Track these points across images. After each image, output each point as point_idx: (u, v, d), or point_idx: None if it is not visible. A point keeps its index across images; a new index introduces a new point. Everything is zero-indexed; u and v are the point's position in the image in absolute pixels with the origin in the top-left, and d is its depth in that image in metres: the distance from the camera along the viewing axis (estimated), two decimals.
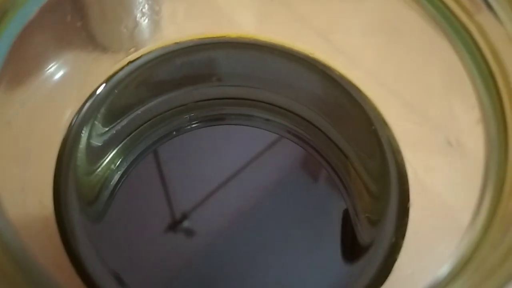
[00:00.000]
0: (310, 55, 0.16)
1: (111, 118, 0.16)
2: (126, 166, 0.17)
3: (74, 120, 0.13)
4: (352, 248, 0.16)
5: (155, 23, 0.16)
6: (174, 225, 0.17)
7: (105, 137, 0.16)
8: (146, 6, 0.16)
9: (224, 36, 0.17)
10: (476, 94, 0.11)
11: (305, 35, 0.17)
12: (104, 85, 0.14)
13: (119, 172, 0.17)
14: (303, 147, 0.18)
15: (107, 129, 0.16)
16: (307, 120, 0.18)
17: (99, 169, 0.16)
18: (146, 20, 0.16)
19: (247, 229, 0.17)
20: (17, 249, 0.09)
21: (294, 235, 0.16)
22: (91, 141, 0.15)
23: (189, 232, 0.16)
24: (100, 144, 0.16)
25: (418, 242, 0.12)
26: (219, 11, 0.17)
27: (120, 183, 0.17)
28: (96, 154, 0.16)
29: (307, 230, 0.17)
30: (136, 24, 0.16)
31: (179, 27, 0.17)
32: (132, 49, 0.15)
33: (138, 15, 0.16)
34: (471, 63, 0.12)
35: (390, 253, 0.12)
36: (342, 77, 0.16)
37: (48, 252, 0.11)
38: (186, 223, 0.17)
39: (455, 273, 0.09)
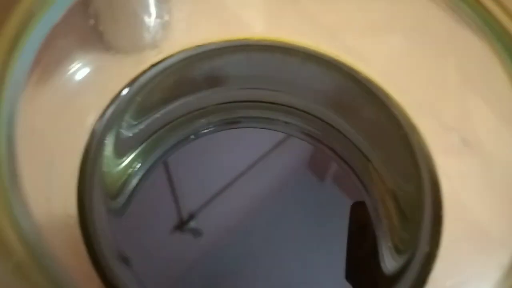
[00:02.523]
0: (335, 58, 0.16)
1: (132, 122, 0.16)
2: (144, 171, 0.17)
3: (96, 126, 0.13)
4: (371, 256, 0.15)
5: (164, 24, 0.16)
6: (183, 225, 0.16)
7: (126, 141, 0.16)
8: (165, 10, 0.15)
9: (246, 39, 0.17)
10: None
11: (330, 39, 0.16)
12: (127, 89, 0.14)
13: (137, 176, 0.17)
14: (323, 150, 0.18)
15: (129, 133, 0.16)
16: (327, 123, 0.18)
17: (117, 173, 0.16)
18: (154, 21, 0.16)
19: (254, 229, 0.16)
20: (43, 256, 0.09)
21: (307, 238, 0.16)
22: (113, 145, 0.15)
23: (196, 233, 0.16)
24: (121, 148, 0.16)
25: (454, 253, 0.12)
26: (227, 11, 0.17)
27: (138, 186, 0.17)
28: (116, 157, 0.16)
29: (322, 234, 0.16)
30: (157, 28, 0.15)
31: (197, 31, 0.17)
32: (154, 53, 0.15)
33: (146, 16, 0.15)
34: (503, 52, 0.11)
35: (424, 263, 0.12)
36: (368, 80, 0.16)
37: (73, 260, 0.11)
38: (196, 224, 0.16)
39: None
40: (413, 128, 0.14)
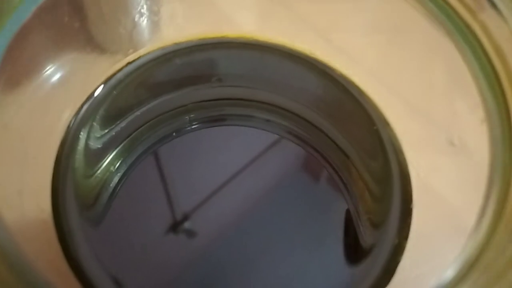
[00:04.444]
0: (311, 55, 0.16)
1: (110, 119, 0.16)
2: (125, 168, 0.17)
3: (72, 122, 0.13)
4: (354, 250, 0.15)
5: (154, 24, 0.16)
6: (175, 226, 0.16)
7: (104, 139, 0.16)
8: (145, 6, 0.16)
9: (224, 36, 0.17)
10: (480, 93, 0.11)
11: (305, 35, 0.16)
12: (102, 86, 0.14)
13: (118, 174, 0.17)
14: (303, 147, 0.18)
15: (106, 131, 0.16)
16: (307, 121, 0.18)
17: (98, 171, 0.16)
18: (145, 21, 0.16)
19: (248, 230, 0.16)
20: (14, 253, 0.09)
21: (295, 236, 0.16)
22: (89, 143, 0.15)
23: (190, 233, 0.16)
24: (99, 146, 0.16)
25: (422, 244, 0.12)
26: (218, 11, 0.17)
27: (120, 185, 0.17)
28: (95, 156, 0.16)
29: (308, 232, 0.16)
30: (135, 24, 0.15)
31: (178, 27, 0.17)
32: (131, 50, 0.15)
33: (137, 15, 0.15)
34: (475, 62, 0.12)
35: (393, 255, 0.12)
36: (343, 77, 0.16)
37: (46, 256, 0.11)
38: (187, 224, 0.16)
39: (461, 277, 0.09)
40: (385, 123, 0.14)
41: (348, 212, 0.16)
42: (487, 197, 0.10)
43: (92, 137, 0.15)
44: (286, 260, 0.16)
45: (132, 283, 0.14)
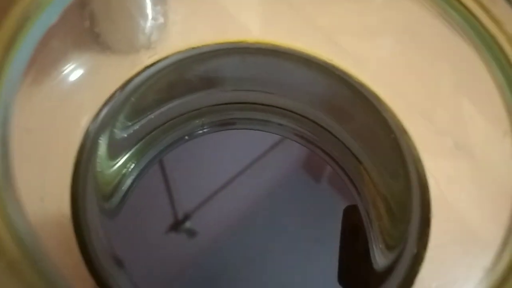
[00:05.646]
0: (328, 61, 0.16)
1: (126, 123, 0.16)
2: (138, 171, 0.17)
3: (90, 126, 0.13)
4: (364, 258, 0.15)
5: (159, 26, 0.16)
6: (187, 230, 0.17)
7: (119, 142, 0.16)
8: (159, 11, 0.16)
9: (239, 42, 0.17)
10: (503, 101, 0.11)
11: (324, 42, 0.16)
12: (120, 91, 0.14)
13: (131, 177, 0.17)
14: (316, 152, 0.18)
15: (123, 134, 0.16)
16: (321, 126, 0.18)
17: (111, 173, 0.16)
18: (150, 23, 0.16)
19: (249, 230, 0.16)
20: (37, 254, 0.09)
21: (302, 240, 0.16)
22: (107, 146, 0.15)
23: (191, 233, 0.16)
24: (115, 148, 0.16)
25: (440, 255, 0.12)
26: (223, 13, 0.17)
27: (132, 187, 0.17)
28: (110, 158, 0.16)
29: (316, 236, 0.16)
30: (140, 27, 0.15)
31: (183, 30, 0.17)
32: (148, 55, 0.15)
33: (142, 18, 0.15)
34: (491, 60, 0.11)
35: (412, 264, 0.12)
36: (360, 83, 0.16)
37: (67, 261, 0.11)
38: (190, 225, 0.16)
39: None
40: (403, 131, 0.14)
41: (360, 218, 0.16)
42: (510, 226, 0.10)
43: (111, 140, 0.15)
44: (286, 260, 0.16)
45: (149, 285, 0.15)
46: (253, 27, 0.17)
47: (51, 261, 0.09)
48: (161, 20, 0.16)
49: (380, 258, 0.15)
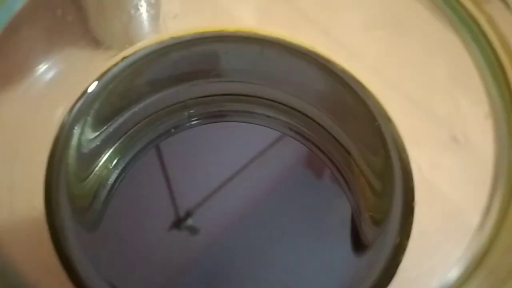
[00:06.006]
0: (312, 49, 0.16)
1: (106, 116, 0.16)
2: (123, 165, 0.17)
3: (66, 119, 0.13)
4: (355, 248, 0.15)
5: (152, 17, 0.16)
6: (177, 223, 0.16)
7: (101, 136, 0.16)
8: (147, 3, 0.15)
9: (223, 30, 0.17)
10: (485, 87, 0.11)
11: (306, 29, 0.16)
12: (97, 81, 0.14)
13: (116, 171, 0.17)
14: (304, 144, 0.18)
15: (103, 127, 0.16)
16: (308, 117, 0.18)
17: (96, 168, 0.16)
18: (142, 14, 0.15)
19: (250, 226, 0.16)
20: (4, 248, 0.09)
21: (296, 233, 0.16)
22: (84, 139, 0.14)
23: (192, 230, 0.16)
24: (96, 144, 0.15)
25: (424, 243, 0.12)
26: (217, 5, 0.17)
27: (118, 182, 0.16)
28: (91, 153, 0.15)
29: (310, 228, 0.16)
30: (132, 18, 0.15)
31: (176, 21, 0.16)
32: (127, 45, 0.15)
33: (134, 9, 0.15)
34: (479, 55, 0.11)
35: (394, 254, 0.12)
36: (344, 71, 0.16)
37: (37, 254, 0.11)
38: (189, 221, 0.16)
39: (466, 277, 0.08)
40: (388, 119, 0.14)
41: (349, 209, 0.16)
42: (491, 195, 0.10)
43: (87, 133, 0.14)
44: (287, 256, 0.15)
45: (130, 282, 0.14)
46: (249, 19, 0.17)
47: (16, 259, 0.09)
48: (152, 11, 0.16)
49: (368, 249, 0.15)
